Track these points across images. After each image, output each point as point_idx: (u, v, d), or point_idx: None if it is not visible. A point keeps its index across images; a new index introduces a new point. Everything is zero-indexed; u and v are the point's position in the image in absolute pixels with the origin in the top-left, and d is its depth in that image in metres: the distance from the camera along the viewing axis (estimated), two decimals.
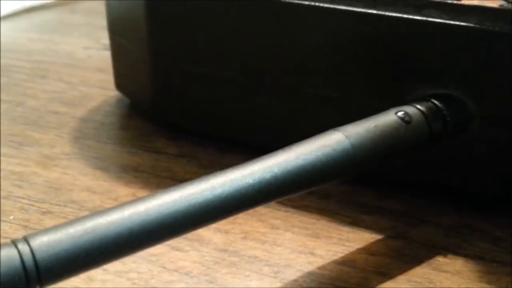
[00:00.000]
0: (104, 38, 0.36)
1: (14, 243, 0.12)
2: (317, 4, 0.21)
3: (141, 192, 0.22)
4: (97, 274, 0.18)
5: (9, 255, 0.12)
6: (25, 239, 0.12)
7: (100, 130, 0.26)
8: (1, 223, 0.20)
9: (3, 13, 0.40)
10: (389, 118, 0.18)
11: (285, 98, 0.23)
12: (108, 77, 0.30)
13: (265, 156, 0.16)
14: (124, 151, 0.25)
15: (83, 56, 0.34)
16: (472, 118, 0.20)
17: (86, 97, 0.29)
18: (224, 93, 0.24)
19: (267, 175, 0.16)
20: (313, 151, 0.17)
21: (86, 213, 0.21)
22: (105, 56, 0.34)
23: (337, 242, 0.20)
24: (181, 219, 0.14)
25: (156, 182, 0.23)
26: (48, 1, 0.43)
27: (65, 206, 0.21)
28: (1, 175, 0.22)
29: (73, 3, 0.44)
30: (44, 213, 0.21)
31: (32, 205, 0.21)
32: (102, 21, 0.40)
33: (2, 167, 0.23)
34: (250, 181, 0.15)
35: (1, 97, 0.29)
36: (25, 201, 0.21)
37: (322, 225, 0.21)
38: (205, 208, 0.15)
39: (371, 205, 0.22)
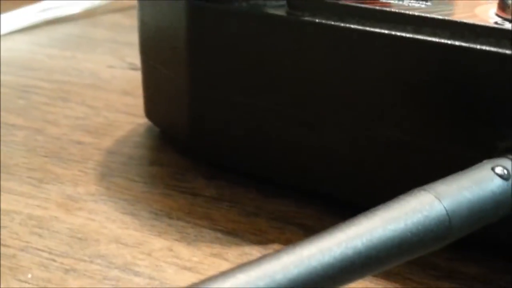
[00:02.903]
0: (130, 56, 0.33)
1: None
2: (394, 33, 0.18)
3: (177, 246, 0.19)
4: None
5: None
6: None
7: (129, 166, 0.23)
8: (17, 282, 0.17)
9: (22, 25, 0.38)
10: (485, 174, 0.15)
11: (344, 138, 0.20)
12: (135, 101, 0.28)
13: (342, 225, 0.13)
14: (156, 193, 0.22)
15: (108, 76, 0.31)
16: None
17: (112, 124, 0.26)
18: (271, 128, 0.21)
19: (350, 251, 0.13)
20: (401, 218, 0.13)
21: (115, 271, 0.18)
22: (131, 76, 0.31)
23: None
24: None
25: (194, 233, 0.20)
26: (70, 13, 0.40)
27: (91, 262, 0.18)
28: (19, 220, 0.20)
29: (97, 15, 0.41)
30: (67, 271, 0.18)
31: (54, 260, 0.18)
32: (126, 37, 0.37)
33: (19, 209, 0.20)
34: (329, 259, 0.12)
35: (20, 123, 0.26)
36: (45, 254, 0.18)
37: None
38: None
39: (444, 268, 0.19)
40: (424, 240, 0.14)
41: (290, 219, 0.21)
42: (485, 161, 0.16)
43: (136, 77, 0.27)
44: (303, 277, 0.12)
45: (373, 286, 0.18)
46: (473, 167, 0.16)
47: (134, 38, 0.26)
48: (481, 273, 0.18)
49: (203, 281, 0.11)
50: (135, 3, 0.25)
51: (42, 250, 0.18)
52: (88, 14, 0.41)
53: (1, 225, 0.20)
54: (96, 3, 0.41)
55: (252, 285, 0.11)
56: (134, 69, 0.31)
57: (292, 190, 0.21)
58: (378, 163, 0.19)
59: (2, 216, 0.20)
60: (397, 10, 0.18)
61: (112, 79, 0.31)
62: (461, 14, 0.18)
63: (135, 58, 0.27)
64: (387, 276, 0.18)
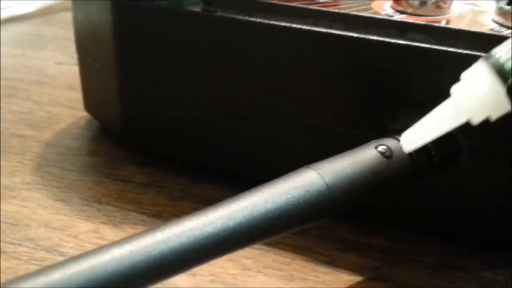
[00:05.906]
0: None
1: None
2: (294, 25, 0.19)
3: (103, 228, 0.20)
4: None
5: None
6: None
7: (66, 156, 0.25)
8: None
9: None
10: (369, 153, 0.17)
11: (261, 125, 0.21)
12: (78, 96, 0.29)
13: (229, 200, 0.15)
14: (89, 180, 0.23)
15: (55, 72, 0.33)
16: (459, 150, 0.18)
17: (53, 118, 0.28)
18: (196, 118, 0.22)
19: (230, 222, 0.14)
20: (283, 193, 0.15)
21: (42, 253, 0.19)
22: (78, 72, 0.32)
23: (312, 284, 0.18)
24: (132, 276, 0.13)
25: (120, 216, 0.21)
26: (25, 12, 0.41)
27: (20, 244, 0.19)
28: None
29: (51, 13, 0.42)
30: None
31: None
32: None
33: None
34: (211, 230, 0.14)
35: None
36: None
37: (298, 265, 0.19)
38: (159, 263, 0.13)
39: (350, 241, 0.20)
40: (305, 212, 0.15)
41: (213, 201, 0.22)
42: (372, 141, 0.17)
43: None
44: (184, 247, 0.13)
45: (282, 259, 0.19)
46: (360, 146, 0.17)
47: None
48: (384, 246, 0.20)
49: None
50: None
51: None
52: (43, 13, 0.42)
53: None
54: (50, 1, 0.42)
55: (135, 255, 0.13)
56: None
57: (218, 175, 0.23)
58: (296, 147, 0.21)
59: None
60: (298, 5, 0.20)
61: (58, 74, 0.32)
62: (358, 7, 0.20)
63: None
64: (295, 249, 0.20)
